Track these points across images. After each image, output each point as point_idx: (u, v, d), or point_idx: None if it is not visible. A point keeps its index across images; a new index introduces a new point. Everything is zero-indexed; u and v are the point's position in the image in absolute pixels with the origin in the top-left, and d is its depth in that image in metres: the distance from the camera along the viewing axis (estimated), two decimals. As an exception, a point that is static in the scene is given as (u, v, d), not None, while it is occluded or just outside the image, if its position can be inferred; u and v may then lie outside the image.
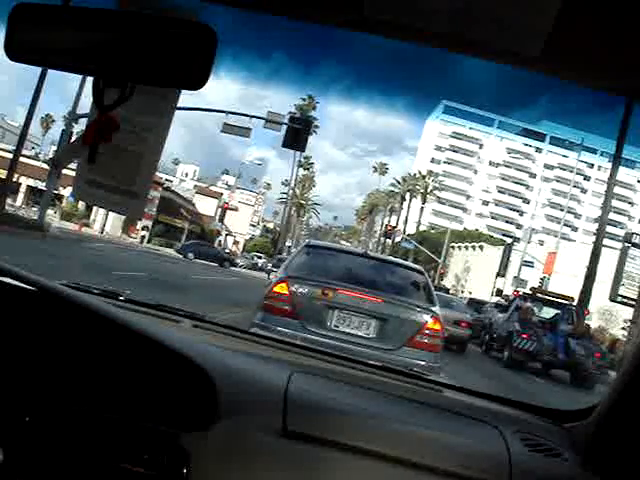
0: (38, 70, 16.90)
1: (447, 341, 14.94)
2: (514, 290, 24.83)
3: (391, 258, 7.42)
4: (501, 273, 36.24)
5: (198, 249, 37.84)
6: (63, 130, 24.73)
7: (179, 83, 1.11)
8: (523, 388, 12.79)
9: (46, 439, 1.18)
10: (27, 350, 1.21)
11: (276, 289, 5.42)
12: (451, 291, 31.40)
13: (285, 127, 22.98)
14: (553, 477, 1.28)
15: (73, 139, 1.38)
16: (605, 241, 24.55)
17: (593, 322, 25.93)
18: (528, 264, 38.42)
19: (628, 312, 27.04)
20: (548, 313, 18.58)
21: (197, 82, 1.04)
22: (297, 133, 22.00)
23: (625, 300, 22.93)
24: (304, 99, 64.74)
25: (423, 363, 5.11)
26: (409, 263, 7.39)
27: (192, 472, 1.16)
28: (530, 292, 20.76)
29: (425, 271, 6.37)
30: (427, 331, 5.33)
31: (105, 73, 1.11)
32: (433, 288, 6.05)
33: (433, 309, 5.53)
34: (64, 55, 1.09)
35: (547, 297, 19.72)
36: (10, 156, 23.50)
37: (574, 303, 19.06)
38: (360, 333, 5.33)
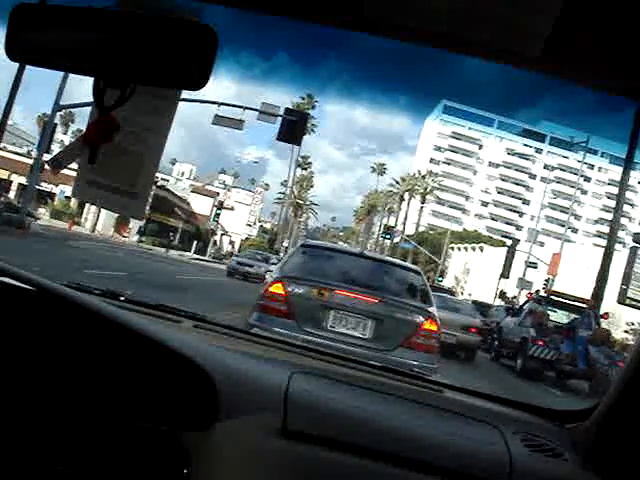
0: (30, 68, 16.65)
1: (455, 348, 14.27)
2: (527, 292, 23.34)
3: (387, 258, 7.30)
4: (505, 274, 35.85)
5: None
6: (47, 122, 23.85)
7: (180, 83, 1.11)
8: (546, 401, 12.05)
9: (46, 440, 1.18)
10: (27, 350, 1.21)
11: (271, 289, 5.31)
12: (451, 293, 31.01)
13: (280, 120, 22.10)
14: (554, 477, 1.28)
15: (71, 139, 1.38)
16: (605, 243, 24.31)
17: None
18: (532, 265, 37.96)
19: (632, 315, 26.72)
20: (561, 317, 17.18)
21: (198, 82, 1.04)
22: (293, 126, 21.23)
23: (634, 303, 22.32)
24: (303, 97, 64.43)
25: (418, 363, 4.99)
26: (405, 263, 7.32)
27: (192, 472, 1.16)
28: (545, 294, 18.81)
29: (422, 271, 6.30)
30: (423, 332, 5.24)
31: (105, 73, 1.11)
32: (430, 288, 5.98)
33: (429, 309, 5.43)
34: (64, 55, 1.09)
35: (563, 300, 17.45)
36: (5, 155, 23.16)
37: (592, 306, 17.26)
38: (356, 334, 5.23)
